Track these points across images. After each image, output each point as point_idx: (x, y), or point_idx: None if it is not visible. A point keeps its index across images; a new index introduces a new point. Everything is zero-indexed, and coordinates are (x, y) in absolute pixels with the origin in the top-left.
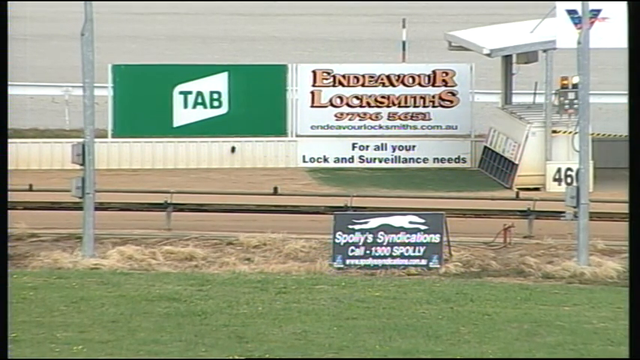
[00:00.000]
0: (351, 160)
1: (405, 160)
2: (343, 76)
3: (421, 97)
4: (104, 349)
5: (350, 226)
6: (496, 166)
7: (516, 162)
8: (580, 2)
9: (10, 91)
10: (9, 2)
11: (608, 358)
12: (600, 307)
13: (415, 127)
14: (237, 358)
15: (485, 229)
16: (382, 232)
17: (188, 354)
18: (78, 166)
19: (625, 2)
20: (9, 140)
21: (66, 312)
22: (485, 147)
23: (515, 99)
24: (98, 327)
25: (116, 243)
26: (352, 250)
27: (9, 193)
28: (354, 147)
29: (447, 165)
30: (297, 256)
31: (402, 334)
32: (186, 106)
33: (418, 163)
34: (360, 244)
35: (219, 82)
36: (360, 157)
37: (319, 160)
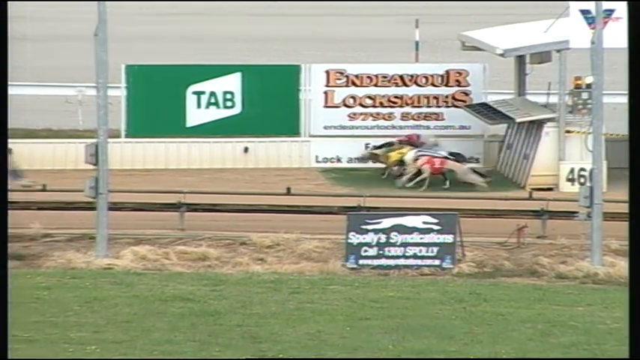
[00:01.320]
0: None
1: None
2: (356, 76)
3: (434, 97)
4: (118, 349)
5: (363, 227)
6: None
7: (517, 120)
8: (594, 2)
9: (23, 91)
10: (12, 3)
11: (608, 358)
12: (614, 307)
13: (428, 128)
14: (250, 358)
15: (498, 229)
16: (395, 233)
17: (202, 354)
18: (91, 167)
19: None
20: (23, 141)
21: (80, 312)
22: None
23: (529, 99)
24: (112, 327)
25: (129, 243)
26: (365, 251)
27: (24, 193)
28: (367, 147)
29: None
30: (310, 257)
31: (415, 334)
32: (199, 107)
33: None
34: (373, 244)
35: (232, 83)
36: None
37: (332, 160)
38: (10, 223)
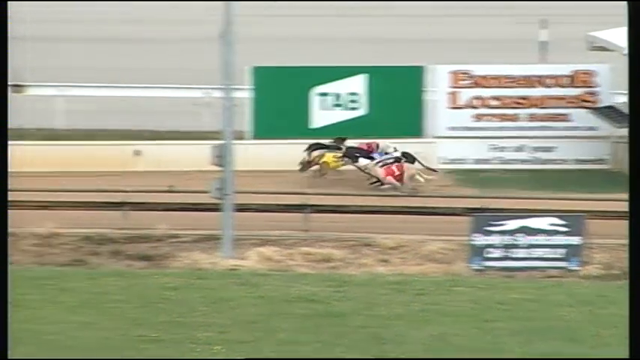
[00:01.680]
0: (489, 162)
1: (545, 162)
2: (482, 77)
3: (561, 98)
4: (243, 350)
5: (488, 228)
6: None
7: None
8: None
9: (151, 93)
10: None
11: (608, 358)
12: None
13: (555, 129)
14: (372, 358)
15: (626, 231)
16: (520, 234)
17: (326, 355)
18: (216, 168)
19: None
20: (150, 142)
21: (206, 312)
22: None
23: None
24: (237, 327)
25: (255, 244)
26: (490, 252)
27: (149, 194)
28: (492, 148)
29: (587, 166)
30: (434, 258)
31: (541, 336)
32: (324, 108)
33: (558, 164)
34: (498, 245)
35: (357, 84)
36: (499, 158)
37: (457, 161)
38: (137, 224)
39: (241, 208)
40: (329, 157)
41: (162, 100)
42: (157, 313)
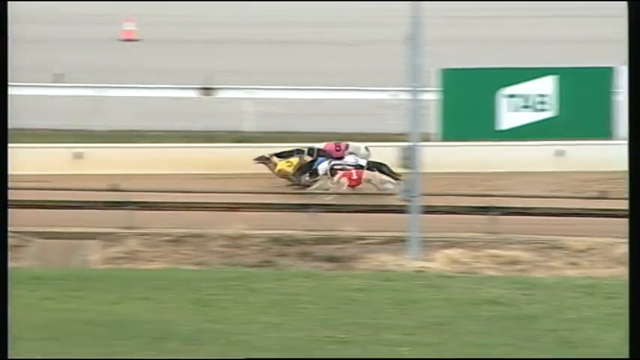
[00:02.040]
0: None
1: None
2: None
3: None
4: (429, 352)
5: None
6: None
7: None
8: None
9: (338, 95)
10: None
11: (608, 358)
12: None
13: None
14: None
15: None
16: None
17: (515, 357)
18: (404, 170)
19: None
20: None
21: (392, 314)
22: None
23: None
24: (423, 329)
25: (441, 246)
26: None
27: (335, 195)
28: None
29: None
30: (625, 261)
31: None
32: (512, 110)
33: None
34: None
35: (546, 85)
36: None
37: None
38: (324, 226)
39: (428, 210)
40: (282, 164)
41: (348, 102)
42: (344, 315)
